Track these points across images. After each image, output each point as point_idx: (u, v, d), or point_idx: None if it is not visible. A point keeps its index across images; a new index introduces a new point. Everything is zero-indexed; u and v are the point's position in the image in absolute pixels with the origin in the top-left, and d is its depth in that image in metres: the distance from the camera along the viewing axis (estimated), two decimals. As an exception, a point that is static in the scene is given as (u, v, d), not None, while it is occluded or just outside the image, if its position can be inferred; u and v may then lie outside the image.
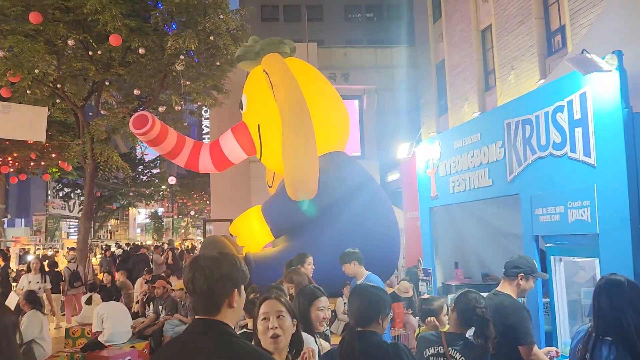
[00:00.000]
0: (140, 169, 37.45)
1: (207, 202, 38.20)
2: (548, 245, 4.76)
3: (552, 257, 4.68)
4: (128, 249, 22.06)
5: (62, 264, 14.94)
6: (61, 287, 12.28)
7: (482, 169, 5.76)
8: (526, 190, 4.97)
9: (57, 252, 22.35)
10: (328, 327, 4.34)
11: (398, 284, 8.61)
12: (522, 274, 3.85)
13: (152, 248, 21.70)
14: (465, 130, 6.35)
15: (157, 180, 39.32)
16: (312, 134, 8.00)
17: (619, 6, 5.97)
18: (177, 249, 27.52)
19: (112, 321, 7.64)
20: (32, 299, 7.08)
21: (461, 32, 18.48)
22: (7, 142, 18.29)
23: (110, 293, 8.64)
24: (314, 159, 8.03)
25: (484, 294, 3.67)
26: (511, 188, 5.24)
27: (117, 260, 18.06)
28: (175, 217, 48.12)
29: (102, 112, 15.00)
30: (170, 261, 16.29)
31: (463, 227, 7.00)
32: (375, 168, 19.43)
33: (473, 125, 6.53)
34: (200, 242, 29.11)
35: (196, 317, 1.97)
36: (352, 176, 8.84)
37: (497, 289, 3.98)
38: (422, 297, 6.01)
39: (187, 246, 29.86)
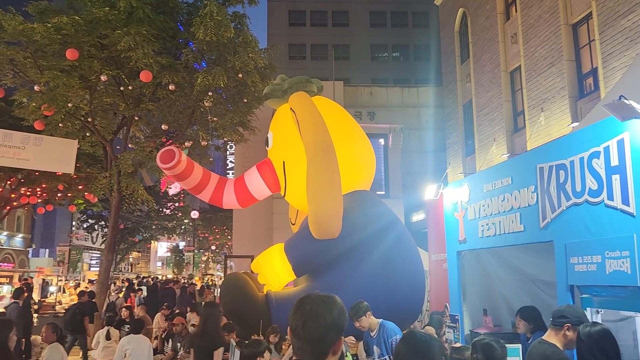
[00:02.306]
0: (163, 202, 37.83)
1: (229, 237, 38.18)
2: (584, 295, 4.54)
3: (588, 309, 4.45)
4: (156, 282, 22.05)
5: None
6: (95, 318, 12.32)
7: (513, 214, 5.59)
8: (561, 237, 4.78)
9: (79, 284, 22.46)
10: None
11: (422, 329, 8.32)
12: (568, 325, 3.67)
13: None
14: (495, 174, 6.21)
15: (179, 214, 39.62)
16: (337, 172, 7.93)
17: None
18: (196, 283, 27.44)
19: (133, 358, 7.52)
20: (57, 331, 7.01)
21: (489, 72, 18.45)
22: (37, 173, 18.67)
23: (141, 325, 8.45)
24: (338, 197, 7.93)
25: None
26: (545, 235, 5.05)
27: (136, 293, 18.09)
28: (196, 251, 48.20)
29: (130, 145, 15.22)
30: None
31: (492, 273, 6.78)
32: (400, 207, 19.20)
33: (503, 168, 6.39)
34: (220, 278, 28.94)
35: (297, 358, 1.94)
36: (378, 216, 8.67)
37: (543, 337, 3.83)
38: (453, 345, 5.76)
39: (208, 282, 29.70)
